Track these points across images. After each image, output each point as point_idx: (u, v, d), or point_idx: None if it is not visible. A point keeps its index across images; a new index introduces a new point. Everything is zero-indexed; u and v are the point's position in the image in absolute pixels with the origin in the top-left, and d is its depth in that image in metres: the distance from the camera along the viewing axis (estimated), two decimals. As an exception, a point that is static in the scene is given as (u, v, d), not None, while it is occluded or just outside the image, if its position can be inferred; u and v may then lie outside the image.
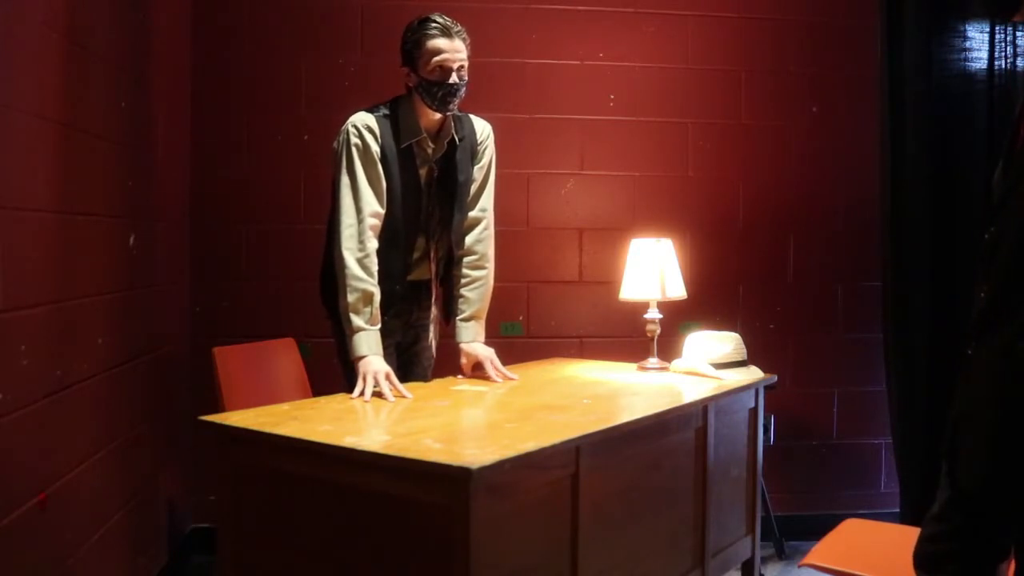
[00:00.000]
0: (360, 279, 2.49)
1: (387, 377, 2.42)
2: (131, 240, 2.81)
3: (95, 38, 2.49)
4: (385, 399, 2.36)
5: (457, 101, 2.59)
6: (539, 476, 1.91)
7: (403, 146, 2.61)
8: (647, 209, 3.77)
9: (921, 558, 1.88)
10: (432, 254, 2.72)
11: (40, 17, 2.13)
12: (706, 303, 3.72)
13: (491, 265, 2.82)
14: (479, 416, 2.33)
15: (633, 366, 3.07)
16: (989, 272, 1.70)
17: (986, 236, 1.71)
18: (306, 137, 3.59)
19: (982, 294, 1.72)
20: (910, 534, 2.09)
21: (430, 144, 2.65)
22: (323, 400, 2.38)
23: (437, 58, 2.52)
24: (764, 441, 3.00)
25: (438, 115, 2.62)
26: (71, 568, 2.30)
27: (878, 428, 3.84)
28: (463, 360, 2.76)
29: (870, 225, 3.74)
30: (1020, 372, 1.60)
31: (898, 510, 3.63)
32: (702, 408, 2.55)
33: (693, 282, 3.53)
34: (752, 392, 2.86)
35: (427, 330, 2.80)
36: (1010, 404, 1.64)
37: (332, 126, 2.75)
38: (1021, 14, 1.78)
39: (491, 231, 2.82)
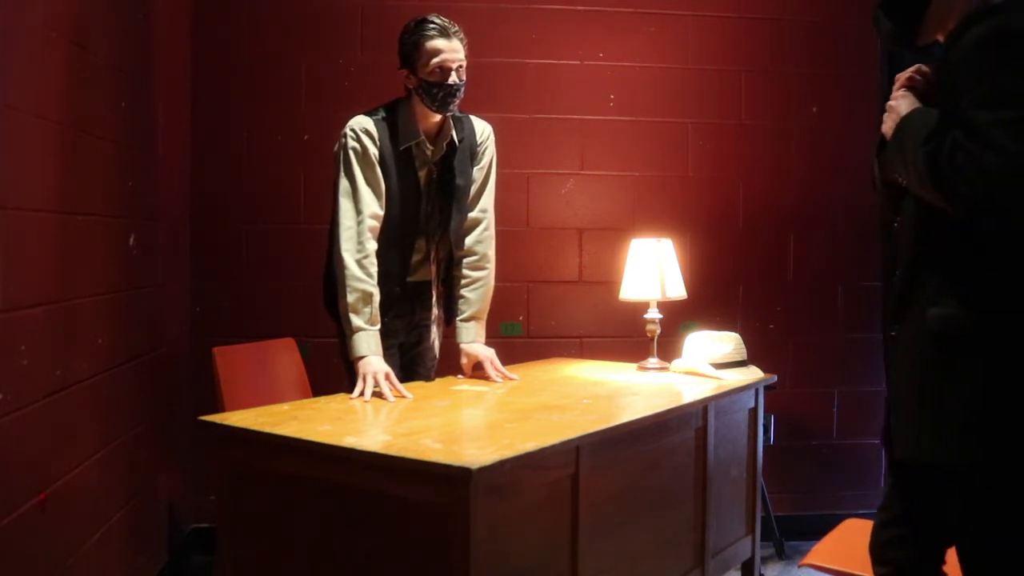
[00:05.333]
0: (359, 279, 2.50)
1: (387, 377, 2.42)
2: (131, 240, 2.81)
3: (95, 38, 2.49)
4: (385, 399, 2.36)
5: (457, 102, 2.59)
6: (539, 476, 1.91)
7: (402, 148, 2.61)
8: (647, 209, 3.77)
9: (873, 549, 1.93)
10: (433, 255, 2.72)
11: (40, 17, 2.13)
12: (706, 303, 3.72)
13: (492, 265, 2.82)
14: (479, 416, 2.33)
15: (633, 366, 3.07)
16: (899, 258, 1.83)
17: (895, 225, 1.86)
18: (306, 137, 3.59)
19: (895, 278, 1.85)
20: (910, 534, 2.09)
21: (429, 146, 2.66)
22: (323, 400, 2.38)
23: (436, 59, 2.52)
24: (764, 441, 3.00)
25: (438, 116, 2.63)
26: (71, 568, 2.30)
27: (878, 428, 3.83)
28: (463, 360, 2.77)
29: (870, 225, 3.74)
30: (934, 333, 1.71)
31: (898, 510, 3.63)
32: (702, 408, 2.55)
33: (693, 282, 3.53)
34: (752, 392, 2.86)
35: (430, 331, 2.80)
36: (930, 365, 1.72)
37: (332, 126, 2.75)
38: (922, 37, 1.86)
39: (492, 232, 2.82)
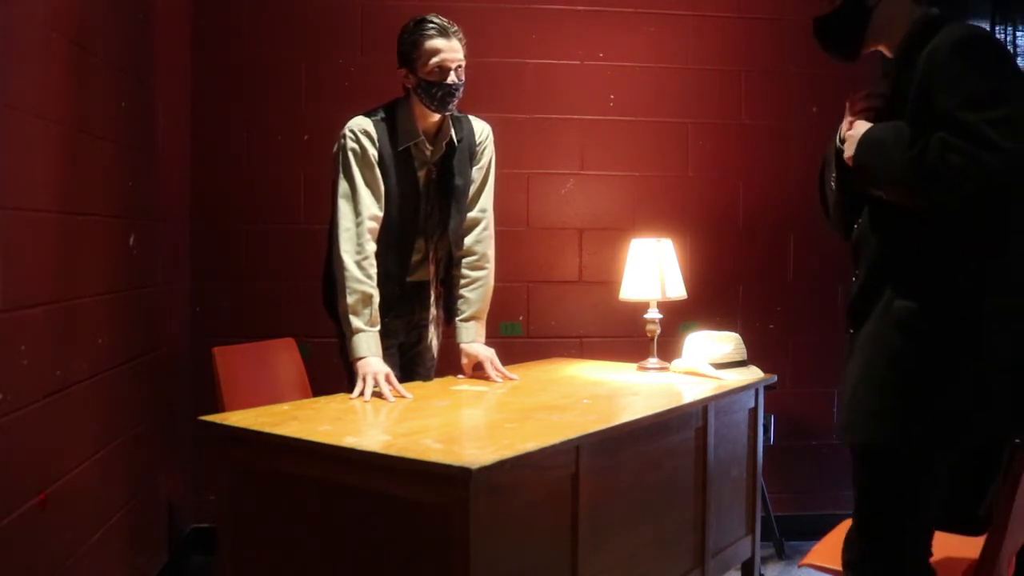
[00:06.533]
0: (359, 280, 2.50)
1: (386, 378, 2.42)
2: (131, 240, 2.81)
3: (96, 38, 2.49)
4: (385, 399, 2.36)
5: (455, 101, 2.59)
6: (539, 476, 1.91)
7: (401, 149, 2.61)
8: (647, 209, 3.77)
9: (846, 564, 1.95)
10: (432, 255, 2.72)
11: (41, 17, 2.13)
12: (706, 303, 3.72)
13: (491, 265, 2.82)
14: (479, 416, 2.33)
15: (633, 366, 3.07)
16: (859, 261, 1.92)
17: (855, 227, 1.94)
18: (306, 137, 3.59)
19: (853, 279, 1.94)
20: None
21: (428, 146, 2.66)
22: (323, 400, 2.39)
23: (435, 59, 2.53)
24: (764, 441, 3.00)
25: (436, 116, 2.63)
26: (71, 568, 2.30)
27: (878, 428, 3.83)
28: (464, 360, 2.77)
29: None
30: (899, 323, 1.80)
31: (898, 510, 3.63)
32: (702, 408, 2.55)
33: (693, 282, 3.52)
34: (752, 392, 2.86)
35: (429, 330, 2.80)
36: (896, 355, 1.81)
37: (332, 126, 2.76)
38: (865, 49, 1.96)
39: (491, 231, 2.82)
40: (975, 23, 1.83)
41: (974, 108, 1.66)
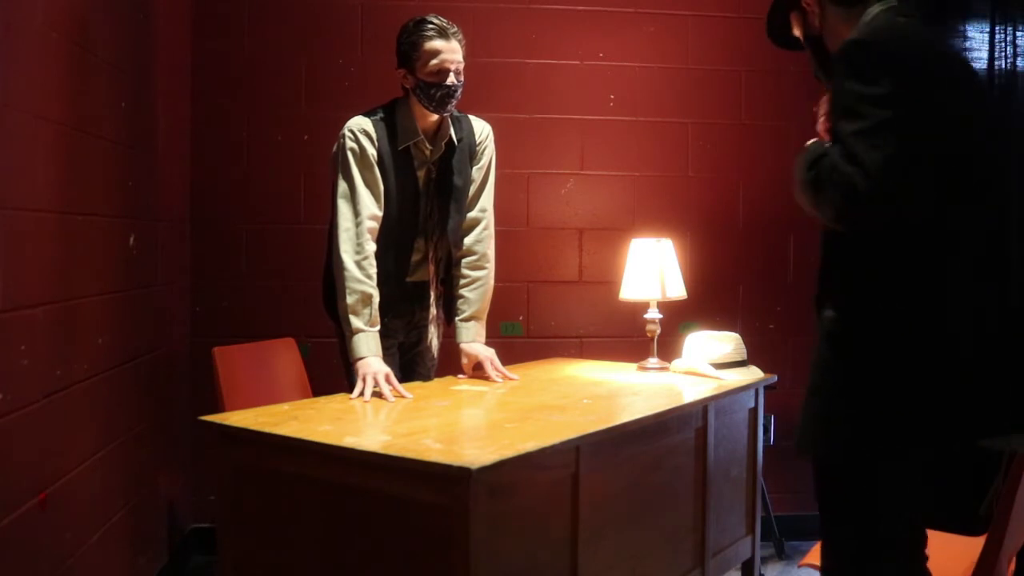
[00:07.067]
0: (359, 280, 2.50)
1: (386, 378, 2.42)
2: (131, 240, 2.81)
3: (95, 38, 2.49)
4: (385, 399, 2.36)
5: (454, 102, 2.59)
6: (539, 476, 1.91)
7: (400, 148, 2.61)
8: (647, 209, 3.77)
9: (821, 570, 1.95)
10: (432, 255, 2.72)
11: (40, 17, 2.13)
12: (706, 303, 3.72)
13: (491, 265, 2.82)
14: (479, 416, 2.33)
15: (633, 366, 3.07)
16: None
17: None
18: (306, 137, 3.59)
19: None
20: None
21: (428, 146, 2.66)
22: (323, 400, 2.39)
23: (435, 60, 2.53)
24: (764, 441, 3.00)
25: (436, 116, 2.63)
26: (71, 568, 2.30)
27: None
28: (464, 360, 2.77)
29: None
30: (825, 333, 1.78)
31: (898, 510, 3.63)
32: (702, 408, 2.55)
33: (693, 282, 3.53)
34: (752, 392, 2.86)
35: (429, 330, 2.80)
36: (823, 365, 1.79)
37: (332, 126, 2.76)
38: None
39: (491, 231, 2.82)
40: (931, 25, 1.80)
41: (849, 118, 1.61)
